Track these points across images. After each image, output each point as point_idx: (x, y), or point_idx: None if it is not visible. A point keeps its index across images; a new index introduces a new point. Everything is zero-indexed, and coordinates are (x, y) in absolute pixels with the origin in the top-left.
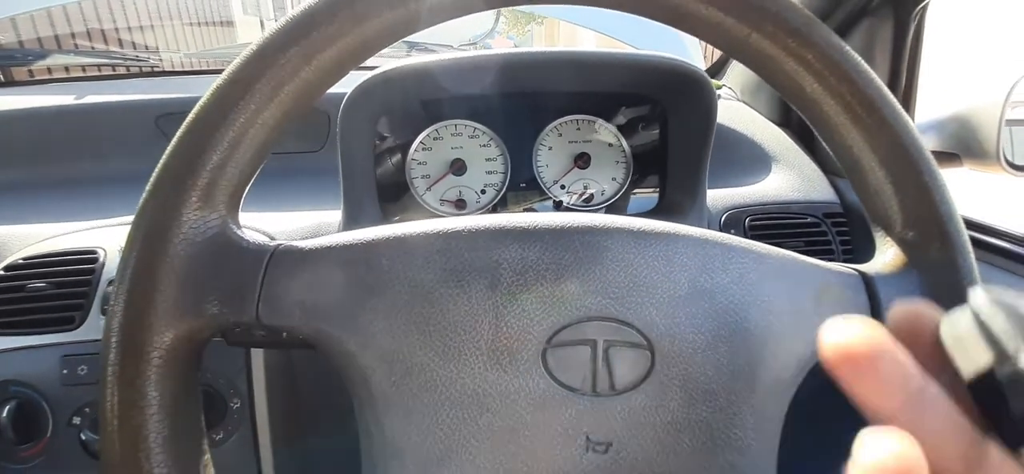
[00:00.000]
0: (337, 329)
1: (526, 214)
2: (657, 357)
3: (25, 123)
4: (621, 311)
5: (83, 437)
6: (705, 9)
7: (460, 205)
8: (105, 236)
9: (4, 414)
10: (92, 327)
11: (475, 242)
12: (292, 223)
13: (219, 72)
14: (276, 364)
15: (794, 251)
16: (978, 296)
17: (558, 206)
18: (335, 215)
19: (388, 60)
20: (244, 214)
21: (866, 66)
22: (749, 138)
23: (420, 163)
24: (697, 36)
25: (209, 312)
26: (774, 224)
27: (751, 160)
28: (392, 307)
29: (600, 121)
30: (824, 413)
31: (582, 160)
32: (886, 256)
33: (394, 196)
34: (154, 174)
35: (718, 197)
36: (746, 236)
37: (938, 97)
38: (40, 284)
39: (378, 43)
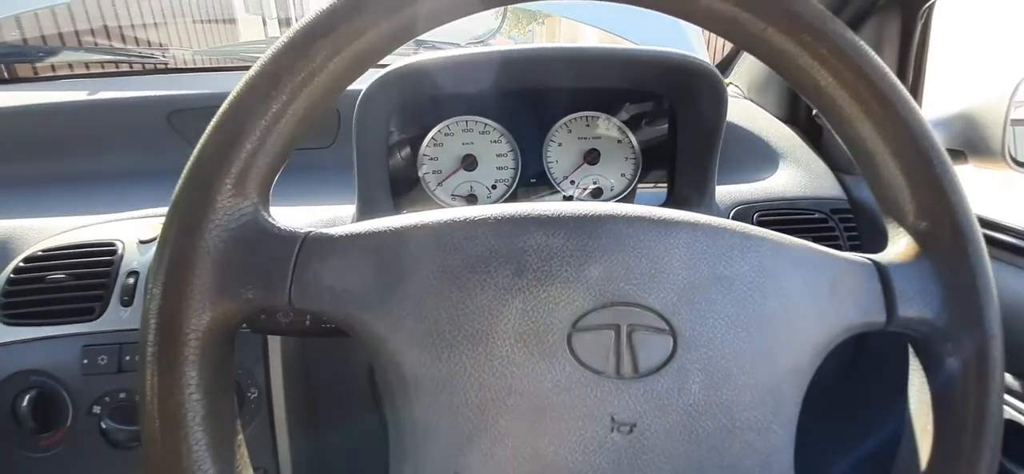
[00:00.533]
0: (367, 313)
1: (550, 203)
2: (679, 342)
3: (39, 119)
4: (644, 297)
5: (103, 426)
6: (720, 4)
7: (471, 200)
8: (123, 229)
9: (25, 403)
10: (111, 318)
11: (501, 229)
12: (309, 217)
13: (229, 69)
14: (292, 355)
15: None
16: None
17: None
18: (349, 209)
19: (399, 58)
20: None
21: (879, 60)
22: (756, 135)
23: (431, 158)
24: (712, 31)
25: (244, 296)
26: (782, 220)
27: (759, 157)
28: (421, 292)
29: (608, 117)
30: (835, 402)
31: (591, 156)
32: (899, 246)
33: (404, 190)
34: (188, 164)
35: (726, 193)
36: None
37: (944, 95)
38: (59, 275)
39: (406, 35)
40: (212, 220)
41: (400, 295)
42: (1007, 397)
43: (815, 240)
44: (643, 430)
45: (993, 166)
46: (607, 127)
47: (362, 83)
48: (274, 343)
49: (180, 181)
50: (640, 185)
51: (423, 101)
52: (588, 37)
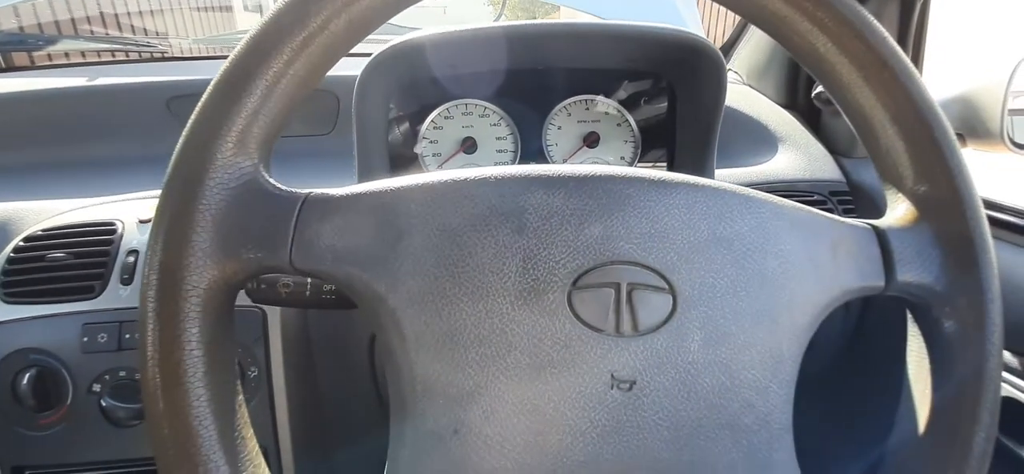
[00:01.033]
0: (368, 272)
1: (550, 165)
2: (678, 300)
3: (39, 105)
4: (644, 256)
5: (103, 404)
6: None
7: None
8: (122, 209)
9: (25, 382)
10: (111, 296)
11: (501, 188)
12: None
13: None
14: (293, 332)
15: None
16: None
17: None
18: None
19: (399, 36)
20: None
21: (879, 25)
22: (756, 120)
23: (431, 141)
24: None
25: (244, 255)
26: None
27: (758, 141)
28: (421, 250)
29: (607, 100)
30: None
31: (591, 138)
32: (897, 211)
33: (402, 169)
34: (189, 122)
35: (725, 176)
36: None
37: (943, 77)
38: (59, 254)
39: (401, 1)
40: (213, 178)
41: (400, 253)
42: (1007, 375)
43: None
44: (642, 387)
45: (992, 149)
46: (606, 110)
47: (356, 69)
48: (274, 320)
49: (181, 139)
50: (639, 166)
51: (423, 80)
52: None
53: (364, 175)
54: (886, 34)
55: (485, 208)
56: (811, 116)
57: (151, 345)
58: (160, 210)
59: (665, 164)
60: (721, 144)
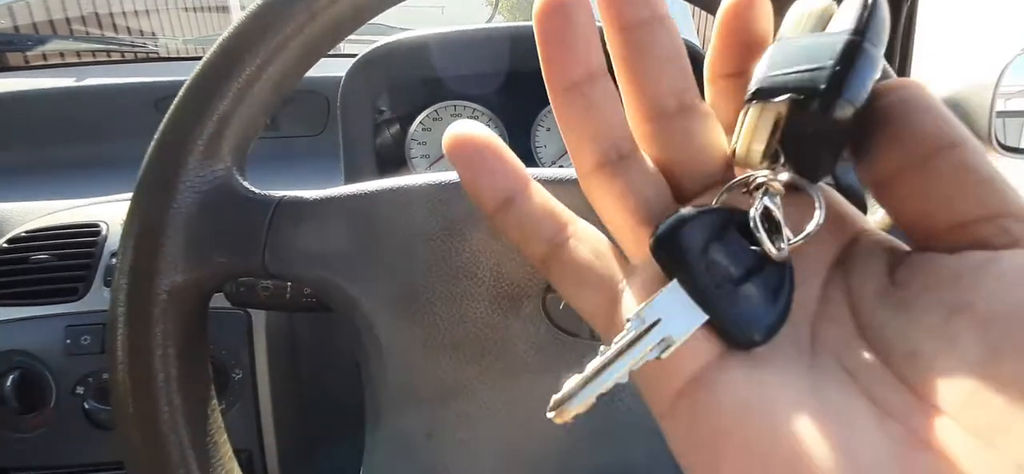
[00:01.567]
0: (341, 276)
1: (528, 169)
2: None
3: (26, 106)
4: None
5: (87, 406)
6: None
7: None
8: (107, 210)
9: (8, 384)
10: (95, 298)
11: None
12: None
13: None
14: (278, 334)
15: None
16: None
17: None
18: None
19: (388, 37)
20: None
21: None
22: None
23: (420, 143)
24: (700, 6)
25: (216, 259)
26: None
27: None
28: (395, 254)
29: None
30: None
31: None
32: (877, 214)
33: (392, 170)
34: (161, 125)
35: None
36: None
37: (931, 79)
38: (43, 256)
39: (381, 5)
40: (184, 181)
41: (374, 257)
42: None
43: None
44: (618, 392)
45: None
46: None
47: (344, 72)
48: (259, 323)
49: (153, 142)
50: None
51: (412, 81)
52: None
53: (350, 177)
54: None
55: (459, 212)
56: None
57: (120, 349)
58: (131, 213)
59: None
60: None
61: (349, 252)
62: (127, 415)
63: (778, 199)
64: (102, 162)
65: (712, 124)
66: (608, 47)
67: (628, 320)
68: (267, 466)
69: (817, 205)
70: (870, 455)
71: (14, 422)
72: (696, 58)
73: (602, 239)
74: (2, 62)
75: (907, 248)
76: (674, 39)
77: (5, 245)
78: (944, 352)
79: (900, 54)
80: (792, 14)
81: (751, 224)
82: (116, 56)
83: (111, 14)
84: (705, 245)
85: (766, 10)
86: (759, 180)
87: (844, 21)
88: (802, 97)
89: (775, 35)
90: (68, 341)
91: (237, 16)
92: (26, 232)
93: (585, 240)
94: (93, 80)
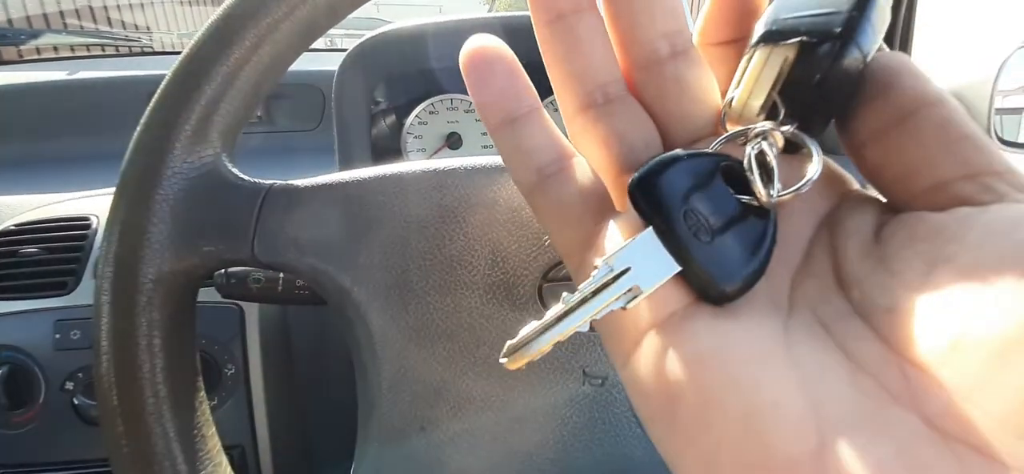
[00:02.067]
0: (332, 265)
1: None
2: None
3: (19, 100)
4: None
5: (76, 402)
6: None
7: None
8: (98, 204)
9: None
10: (85, 292)
11: (471, 179)
12: None
13: None
14: (271, 328)
15: None
16: None
17: None
18: None
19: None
20: None
21: None
22: None
23: (416, 137)
24: None
25: (204, 247)
26: None
27: None
28: (388, 242)
29: None
30: None
31: None
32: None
33: (388, 161)
34: (147, 110)
35: None
36: None
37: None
38: (32, 250)
39: None
40: (170, 167)
41: (366, 246)
42: None
43: None
44: (615, 383)
45: None
46: None
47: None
48: (251, 317)
49: (139, 127)
50: None
51: (409, 72)
52: None
53: (345, 167)
54: None
55: (454, 199)
56: None
57: (105, 339)
58: (116, 200)
59: None
60: None
61: (341, 240)
62: (111, 407)
63: (775, 148)
64: (94, 156)
65: (705, 71)
66: None
67: (595, 267)
68: (260, 461)
69: (815, 158)
70: (836, 409)
71: (2, 418)
72: None
73: (595, 181)
74: None
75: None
76: None
77: None
78: (923, 306)
79: (899, 48)
80: None
81: (745, 164)
82: (110, 50)
83: (105, 8)
84: (687, 192)
85: None
86: (759, 129)
87: None
88: (815, 40)
89: None
90: (57, 336)
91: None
92: (15, 225)
93: (575, 178)
94: (86, 74)
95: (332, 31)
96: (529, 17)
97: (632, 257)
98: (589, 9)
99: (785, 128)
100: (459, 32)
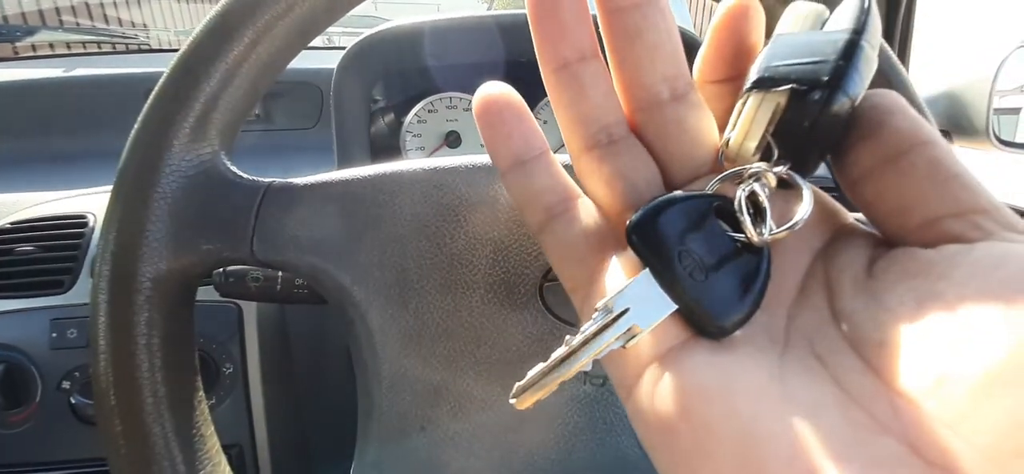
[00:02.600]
0: (331, 263)
1: None
2: None
3: (15, 97)
4: None
5: (73, 401)
6: None
7: None
8: (95, 202)
9: None
10: (81, 290)
11: (473, 178)
12: None
13: None
14: (269, 327)
15: None
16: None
17: None
18: None
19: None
20: None
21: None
22: None
23: (415, 135)
24: None
25: (202, 246)
26: None
27: None
28: (388, 241)
29: None
30: None
31: None
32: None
33: (386, 160)
34: (145, 106)
35: None
36: None
37: (930, 74)
38: (28, 248)
39: None
40: (169, 164)
41: (367, 244)
42: None
43: None
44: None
45: (978, 146)
46: None
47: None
48: (250, 316)
49: (137, 122)
50: None
51: (408, 70)
52: None
53: (344, 165)
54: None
55: (455, 198)
56: None
57: (102, 338)
58: (113, 197)
59: None
60: None
61: (341, 238)
62: (109, 406)
63: (767, 189)
64: (91, 154)
65: (704, 113)
66: (601, 30)
67: (596, 310)
68: (258, 461)
69: (805, 199)
70: (828, 441)
71: None
72: (691, 46)
73: (599, 220)
74: None
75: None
76: (668, 23)
77: None
78: (911, 339)
79: (899, 50)
80: (789, 14)
81: (735, 206)
82: (106, 48)
83: (101, 4)
84: (682, 232)
85: (760, 20)
86: (753, 170)
87: (842, 21)
88: (804, 88)
89: (766, 39)
90: (54, 335)
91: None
92: (11, 223)
93: (582, 218)
94: (82, 71)
95: (330, 29)
96: (519, 14)
97: (630, 299)
98: (592, 56)
99: (778, 169)
100: (457, 30)
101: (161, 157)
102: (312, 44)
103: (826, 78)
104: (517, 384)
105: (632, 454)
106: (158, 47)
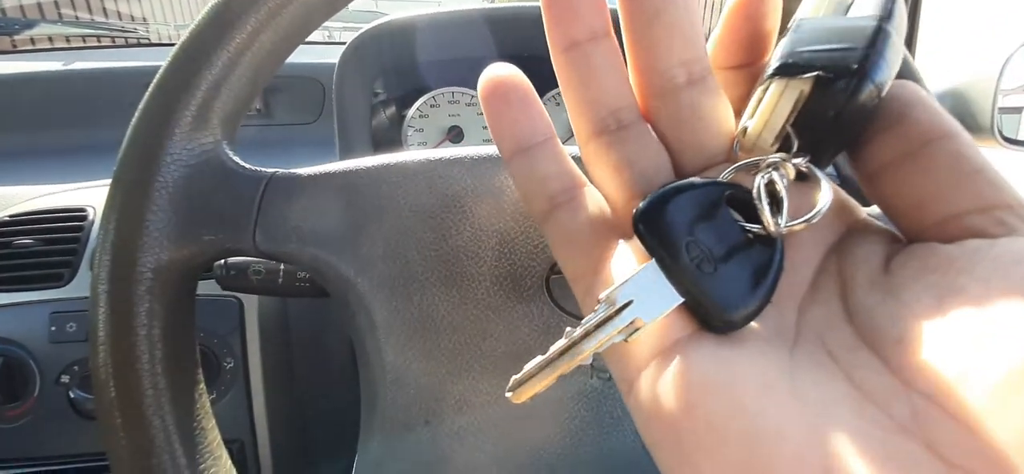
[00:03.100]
0: (335, 255)
1: None
2: None
3: (14, 90)
4: None
5: (72, 395)
6: None
7: None
8: (94, 195)
9: None
10: (81, 284)
11: (478, 168)
12: None
13: None
14: (271, 321)
15: None
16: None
17: None
18: None
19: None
20: None
21: None
22: None
23: (417, 130)
24: None
25: (204, 236)
26: None
27: None
28: (392, 232)
29: None
30: None
31: None
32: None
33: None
34: (147, 93)
35: None
36: None
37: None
38: (28, 241)
39: None
40: (170, 153)
41: (370, 235)
42: None
43: None
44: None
45: (983, 144)
46: None
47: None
48: (251, 310)
49: (138, 111)
50: None
51: (410, 64)
52: None
53: (346, 158)
54: None
55: (461, 189)
56: None
57: (102, 329)
58: (113, 187)
59: None
60: None
61: (344, 230)
62: (109, 398)
63: (786, 179)
64: (90, 147)
65: (721, 100)
66: (618, 9)
67: (599, 301)
68: (259, 456)
69: (825, 190)
70: (842, 439)
71: None
72: None
73: (604, 209)
74: None
75: (904, 238)
76: (688, 3)
77: None
78: (932, 336)
79: (905, 39)
80: None
81: (755, 193)
82: (105, 41)
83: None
84: (692, 222)
85: (777, 5)
86: (771, 160)
87: (866, 7)
88: (831, 76)
89: (783, 26)
90: (53, 328)
91: None
92: (10, 216)
93: (587, 206)
94: (81, 65)
95: (331, 25)
96: (528, 9)
97: (635, 290)
98: (604, 36)
99: (797, 160)
100: (457, 24)
101: (162, 146)
102: (313, 39)
103: (855, 66)
104: (513, 377)
105: (639, 449)
106: (157, 41)
